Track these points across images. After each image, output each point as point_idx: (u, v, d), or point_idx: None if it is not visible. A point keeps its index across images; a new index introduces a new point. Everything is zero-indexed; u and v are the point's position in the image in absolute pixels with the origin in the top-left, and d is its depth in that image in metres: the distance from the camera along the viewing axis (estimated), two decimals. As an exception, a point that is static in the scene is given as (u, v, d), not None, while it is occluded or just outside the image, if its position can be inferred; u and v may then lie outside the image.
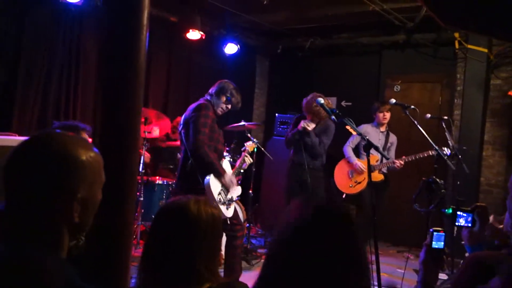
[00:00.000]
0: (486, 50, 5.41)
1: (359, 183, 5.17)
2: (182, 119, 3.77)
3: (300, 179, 4.57)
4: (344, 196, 5.23)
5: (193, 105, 3.71)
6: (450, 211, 1.77)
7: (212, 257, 1.46)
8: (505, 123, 5.45)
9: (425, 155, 4.85)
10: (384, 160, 5.11)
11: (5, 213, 1.11)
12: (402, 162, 5.00)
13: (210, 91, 3.86)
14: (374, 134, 5.26)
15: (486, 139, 5.50)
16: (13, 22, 4.49)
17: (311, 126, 4.58)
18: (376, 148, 3.51)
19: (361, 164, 5.17)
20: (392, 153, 5.31)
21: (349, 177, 5.26)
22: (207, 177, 3.60)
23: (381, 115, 5.27)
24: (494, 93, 5.54)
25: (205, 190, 3.59)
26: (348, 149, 5.33)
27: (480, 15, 2.41)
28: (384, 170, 5.20)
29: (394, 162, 5.04)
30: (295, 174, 4.64)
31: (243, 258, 4.96)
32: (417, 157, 4.86)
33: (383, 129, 5.34)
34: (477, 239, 1.75)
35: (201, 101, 3.74)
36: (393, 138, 5.37)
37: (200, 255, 1.40)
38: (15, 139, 3.98)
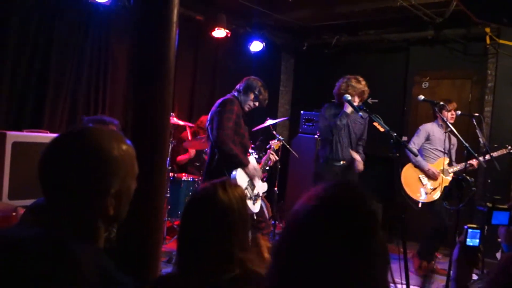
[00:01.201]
0: (518, 45, 5.26)
1: (434, 189, 4.70)
2: (209, 115, 3.80)
3: (337, 177, 4.21)
4: (420, 205, 4.76)
5: (219, 100, 3.74)
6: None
7: (245, 237, 1.51)
8: (539, 120, 5.29)
9: (499, 153, 4.56)
10: (455, 164, 4.74)
11: (45, 207, 1.14)
12: (475, 165, 4.56)
13: (237, 87, 3.87)
14: (439, 134, 4.74)
15: (518, 137, 5.35)
16: (43, 23, 4.60)
17: (357, 101, 4.18)
18: (405, 146, 3.46)
19: (434, 169, 4.69)
20: (453, 156, 4.87)
21: (422, 184, 4.74)
22: (234, 172, 3.62)
23: (449, 114, 4.68)
24: (526, 89, 5.38)
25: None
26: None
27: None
28: (451, 170, 4.73)
29: (471, 165, 4.52)
30: (331, 172, 4.22)
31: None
32: (489, 157, 4.44)
33: (445, 129, 4.77)
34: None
35: (227, 96, 3.76)
36: (454, 139, 4.83)
37: (234, 238, 1.45)
38: (47, 136, 4.09)
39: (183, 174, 5.22)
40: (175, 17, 1.79)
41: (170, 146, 4.93)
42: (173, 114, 5.06)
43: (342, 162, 4.22)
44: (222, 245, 1.44)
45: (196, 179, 5.10)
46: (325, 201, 0.93)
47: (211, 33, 5.65)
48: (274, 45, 7.01)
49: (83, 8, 4.84)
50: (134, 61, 1.96)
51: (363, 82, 4.31)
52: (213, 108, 3.74)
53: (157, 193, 2.03)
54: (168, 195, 4.88)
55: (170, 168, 4.94)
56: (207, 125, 3.81)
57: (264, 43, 6.34)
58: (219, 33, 5.65)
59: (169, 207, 4.92)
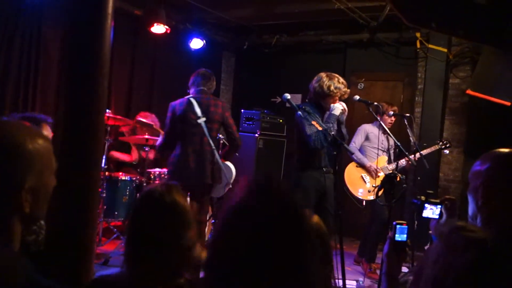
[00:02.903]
0: (445, 50, 5.59)
1: (377, 186, 4.49)
2: (219, 112, 4.07)
3: (322, 186, 3.91)
4: (364, 203, 4.84)
5: (219, 101, 4.19)
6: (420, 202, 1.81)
7: (192, 238, 1.49)
8: (463, 121, 5.65)
9: (432, 149, 4.86)
10: (394, 163, 4.77)
11: None
12: (408, 163, 4.68)
13: (208, 87, 4.12)
14: (378, 134, 4.80)
15: (445, 136, 5.68)
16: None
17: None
18: (341, 144, 3.56)
19: (375, 166, 4.78)
20: (392, 155, 4.99)
21: (365, 182, 4.84)
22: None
23: (388, 120, 4.86)
24: (452, 91, 5.72)
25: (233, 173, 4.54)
26: (356, 151, 4.88)
27: (441, 14, 2.48)
28: (390, 168, 4.81)
29: (405, 165, 4.72)
30: (315, 180, 3.90)
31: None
32: (425, 153, 4.66)
33: (383, 131, 4.82)
34: (443, 231, 1.79)
35: (218, 98, 4.32)
36: (391, 140, 4.81)
37: (183, 239, 1.44)
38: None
39: (120, 173, 5.06)
40: (110, 8, 1.73)
41: (107, 144, 4.76)
42: (110, 111, 4.89)
43: (325, 169, 3.95)
44: (172, 247, 1.42)
45: (134, 178, 4.96)
46: (256, 202, 0.93)
47: (149, 29, 5.52)
48: (215, 43, 6.97)
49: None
50: (66, 53, 1.87)
51: (337, 78, 3.94)
52: (219, 109, 4.08)
53: (90, 193, 1.95)
54: (104, 195, 4.71)
55: (106, 167, 4.77)
56: (223, 119, 4.12)
57: (204, 41, 6.29)
58: (158, 29, 5.52)
59: (105, 207, 4.75)
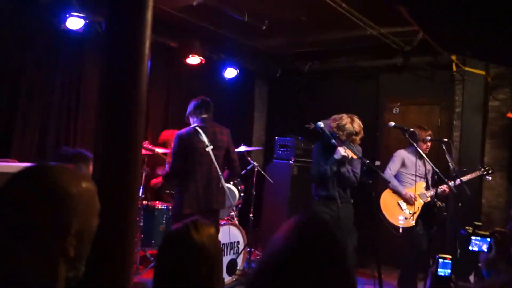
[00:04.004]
0: (483, 73, 5.46)
1: (413, 213, 4.67)
2: (225, 140, 4.13)
3: (335, 216, 3.98)
4: (400, 230, 4.70)
5: (224, 129, 4.16)
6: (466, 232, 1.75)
7: (220, 273, 1.51)
8: (505, 144, 5.46)
9: (473, 176, 4.72)
10: (432, 189, 4.71)
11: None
12: (447, 189, 4.54)
13: (209, 115, 4.11)
14: (414, 160, 4.73)
15: (486, 161, 5.50)
16: (14, 50, 4.52)
17: (350, 153, 3.94)
18: (377, 173, 3.51)
19: (411, 193, 4.70)
20: (430, 181, 4.86)
21: (401, 209, 4.75)
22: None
23: (424, 146, 4.74)
24: (492, 114, 5.56)
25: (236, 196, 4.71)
26: (392, 178, 4.81)
27: (476, 42, 2.44)
28: (428, 194, 4.71)
29: (444, 190, 4.56)
30: (327, 211, 4.03)
31: (244, 282, 4.89)
32: (465, 180, 4.54)
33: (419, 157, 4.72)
34: (493, 265, 1.71)
35: (222, 126, 4.17)
36: (429, 165, 4.66)
37: (210, 276, 1.47)
38: (15, 166, 3.97)
39: (157, 202, 5.13)
40: (146, 50, 1.79)
41: (144, 174, 4.86)
42: (147, 141, 5.00)
43: (338, 201, 4.02)
44: (200, 283, 1.43)
45: (170, 207, 5.01)
46: (297, 236, 1.08)
47: (185, 60, 5.66)
48: (248, 72, 7.07)
49: (55, 35, 4.77)
50: (104, 92, 1.93)
51: (356, 123, 4.11)
52: (227, 137, 4.19)
53: (128, 223, 1.98)
54: (142, 223, 4.78)
55: (143, 196, 4.86)
56: (218, 147, 4.08)
57: (238, 70, 6.39)
58: (193, 60, 5.67)
59: (142, 236, 4.81)
